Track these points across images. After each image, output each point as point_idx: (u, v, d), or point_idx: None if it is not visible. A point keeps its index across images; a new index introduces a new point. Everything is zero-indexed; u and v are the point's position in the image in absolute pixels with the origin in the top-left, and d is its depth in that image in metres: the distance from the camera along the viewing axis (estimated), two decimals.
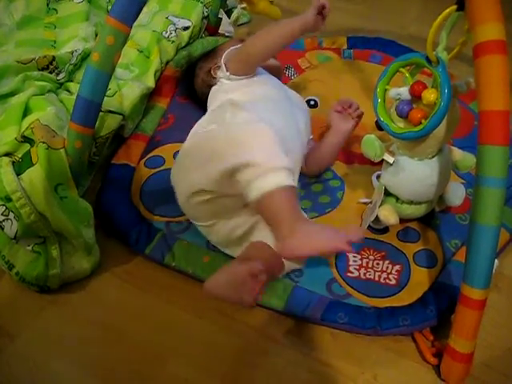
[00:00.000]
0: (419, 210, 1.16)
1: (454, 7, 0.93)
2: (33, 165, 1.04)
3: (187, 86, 1.54)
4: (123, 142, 1.38)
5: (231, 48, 1.28)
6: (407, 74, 1.03)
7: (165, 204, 1.21)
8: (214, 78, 1.33)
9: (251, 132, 0.99)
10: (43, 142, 1.07)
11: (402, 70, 1.04)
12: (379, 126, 1.09)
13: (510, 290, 1.15)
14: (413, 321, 1.00)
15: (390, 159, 1.09)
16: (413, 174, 1.10)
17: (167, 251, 1.12)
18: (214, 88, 1.28)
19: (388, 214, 1.14)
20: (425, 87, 1.00)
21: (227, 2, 1.81)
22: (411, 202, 1.15)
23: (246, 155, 0.95)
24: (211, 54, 1.47)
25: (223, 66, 1.23)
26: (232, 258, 1.10)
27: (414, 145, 1.06)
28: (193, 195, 1.02)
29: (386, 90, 1.06)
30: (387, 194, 1.16)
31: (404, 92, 1.03)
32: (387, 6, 2.22)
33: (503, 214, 1.19)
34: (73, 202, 1.08)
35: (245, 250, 1.00)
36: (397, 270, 1.11)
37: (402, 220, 1.17)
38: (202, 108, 1.32)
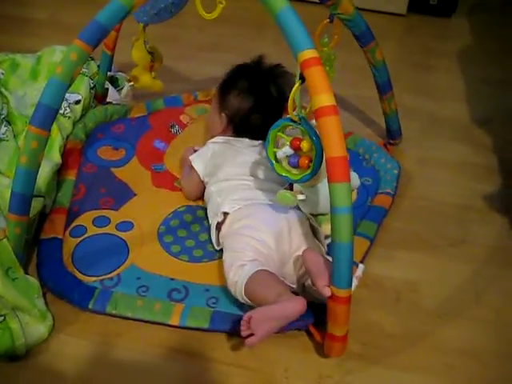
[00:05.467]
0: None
1: (300, 81, 1.18)
2: None
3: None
4: (45, 218, 1.54)
5: None
6: (284, 136, 1.30)
7: (95, 265, 1.42)
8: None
9: None
10: None
11: (279, 134, 1.31)
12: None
13: (375, 284, 1.49)
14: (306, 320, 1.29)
15: (303, 196, 1.34)
16: (321, 194, 1.38)
17: (107, 302, 1.32)
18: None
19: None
20: (301, 140, 1.24)
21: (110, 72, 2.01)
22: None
23: None
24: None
25: None
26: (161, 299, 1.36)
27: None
28: None
29: (274, 152, 1.32)
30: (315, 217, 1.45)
31: (287, 150, 1.28)
32: (253, 52, 2.39)
33: (363, 227, 1.55)
34: (23, 281, 1.28)
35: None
36: None
37: None
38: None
